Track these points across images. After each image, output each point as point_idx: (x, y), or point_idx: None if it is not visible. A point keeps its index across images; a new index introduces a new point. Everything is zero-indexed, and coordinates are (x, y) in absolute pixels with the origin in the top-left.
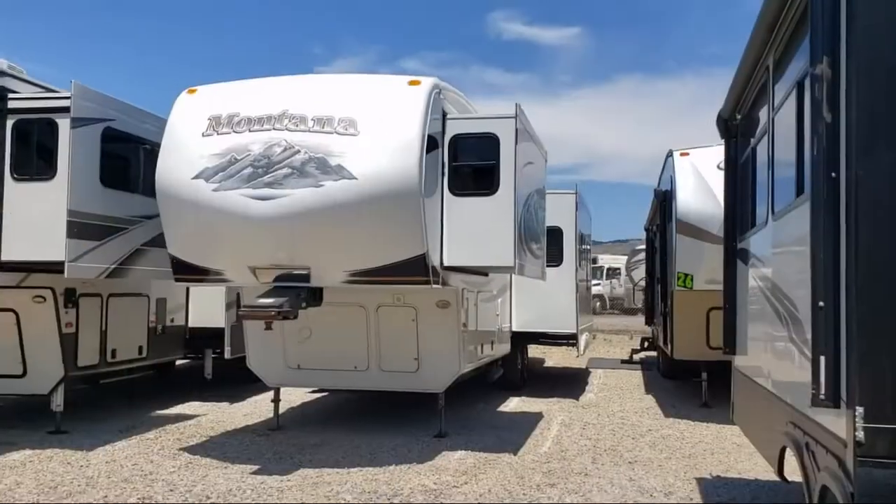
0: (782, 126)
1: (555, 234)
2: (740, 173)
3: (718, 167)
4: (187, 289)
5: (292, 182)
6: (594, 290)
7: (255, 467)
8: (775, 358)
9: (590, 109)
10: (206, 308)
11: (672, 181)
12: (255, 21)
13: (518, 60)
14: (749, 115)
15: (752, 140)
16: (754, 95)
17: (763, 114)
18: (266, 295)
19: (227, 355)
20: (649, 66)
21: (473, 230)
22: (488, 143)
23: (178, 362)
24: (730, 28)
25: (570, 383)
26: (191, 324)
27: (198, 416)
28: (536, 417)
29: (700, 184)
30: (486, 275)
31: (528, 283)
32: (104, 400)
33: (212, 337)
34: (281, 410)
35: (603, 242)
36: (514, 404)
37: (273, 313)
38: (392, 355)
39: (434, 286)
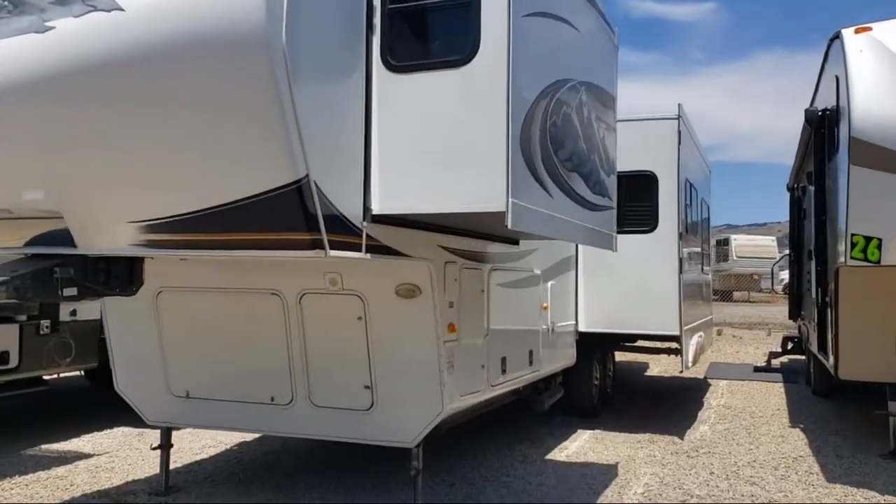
0: None
1: (644, 183)
2: None
3: None
4: None
5: None
6: (785, 274)
7: None
8: None
9: (726, 87)
10: None
11: (840, 83)
12: None
13: (649, 39)
14: None
15: None
16: None
17: None
18: None
19: None
20: (790, 40)
21: (430, 137)
22: None
23: None
24: None
25: (675, 404)
26: None
27: (89, 456)
28: (604, 477)
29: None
30: (516, 242)
31: (603, 259)
32: None
33: None
34: (213, 453)
35: (739, 226)
36: (577, 446)
37: None
38: (329, 380)
39: (340, 254)
